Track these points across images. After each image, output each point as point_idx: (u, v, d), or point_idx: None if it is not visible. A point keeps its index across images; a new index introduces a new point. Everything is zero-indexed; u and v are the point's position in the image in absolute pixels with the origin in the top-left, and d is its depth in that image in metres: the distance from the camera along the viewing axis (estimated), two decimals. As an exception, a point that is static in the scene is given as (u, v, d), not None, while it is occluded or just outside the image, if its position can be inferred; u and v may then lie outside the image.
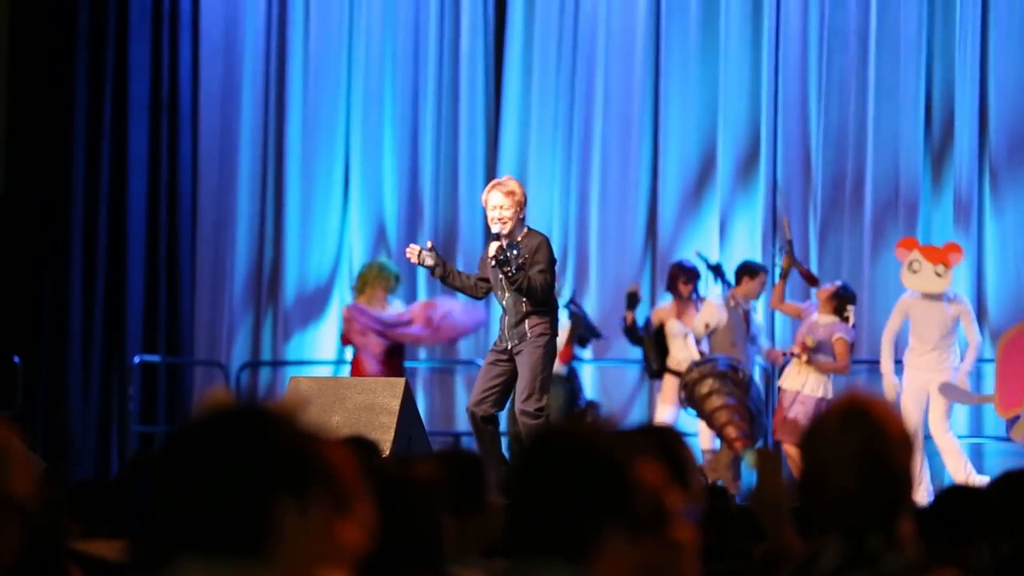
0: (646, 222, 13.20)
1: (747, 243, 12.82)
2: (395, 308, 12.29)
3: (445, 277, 8.49)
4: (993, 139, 12.25)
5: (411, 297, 13.13)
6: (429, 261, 8.45)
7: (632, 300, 11.80)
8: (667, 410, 11.65)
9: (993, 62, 12.31)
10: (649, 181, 13.20)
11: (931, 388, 10.66)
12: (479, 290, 8.55)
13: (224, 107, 14.00)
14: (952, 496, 4.16)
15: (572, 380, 11.97)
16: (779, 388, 10.97)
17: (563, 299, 11.81)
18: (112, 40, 13.55)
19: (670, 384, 11.66)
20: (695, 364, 11.25)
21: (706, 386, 11.06)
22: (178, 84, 13.83)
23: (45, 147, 13.39)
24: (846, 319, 10.82)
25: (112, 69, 13.54)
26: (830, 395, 10.68)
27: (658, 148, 13.17)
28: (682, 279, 11.63)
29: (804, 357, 10.80)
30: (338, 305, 13.76)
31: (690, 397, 11.18)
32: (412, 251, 8.52)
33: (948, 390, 10.66)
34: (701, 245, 12.74)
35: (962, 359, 10.84)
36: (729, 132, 12.94)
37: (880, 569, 2.88)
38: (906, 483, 2.97)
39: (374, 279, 12.22)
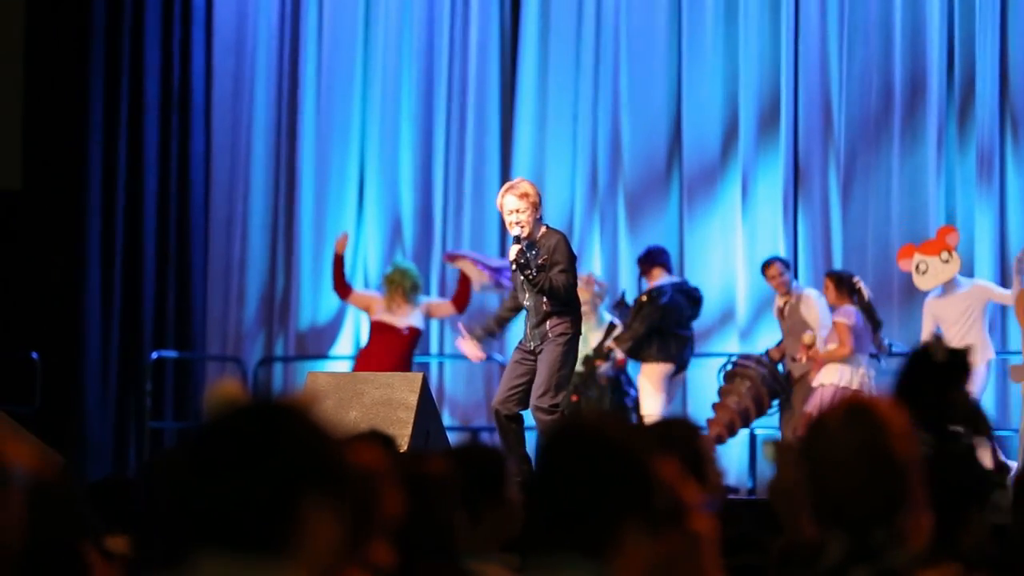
0: (675, 195, 13.17)
1: (769, 205, 12.80)
2: (415, 314, 12.28)
3: (494, 333, 8.81)
4: (1014, 92, 12.23)
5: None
6: (478, 339, 8.77)
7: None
8: (654, 400, 11.56)
9: (1013, 15, 12.27)
10: (668, 149, 13.18)
11: None
12: (516, 310, 8.70)
13: (236, 104, 14.01)
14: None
15: (618, 381, 11.85)
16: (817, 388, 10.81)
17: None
18: (127, 38, 13.57)
19: (655, 372, 11.62)
20: (748, 357, 11.38)
21: (738, 381, 11.22)
22: (190, 81, 13.84)
23: (62, 144, 13.42)
24: (857, 297, 10.71)
25: (128, 67, 13.56)
26: (855, 385, 10.63)
27: (681, 116, 13.14)
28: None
29: (804, 358, 10.81)
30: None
31: (725, 377, 11.35)
32: (464, 344, 8.88)
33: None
34: (724, 210, 12.85)
35: (997, 350, 10.80)
36: (750, 91, 12.90)
37: (883, 564, 2.87)
38: (910, 478, 2.96)
39: (392, 281, 12.27)
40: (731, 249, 12.88)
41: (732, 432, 11.21)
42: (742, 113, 12.94)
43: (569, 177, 13.40)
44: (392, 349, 12.08)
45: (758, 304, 12.44)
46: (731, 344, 12.67)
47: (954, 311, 10.63)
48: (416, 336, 12.27)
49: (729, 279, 12.82)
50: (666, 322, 11.48)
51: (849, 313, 10.67)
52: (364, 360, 12.15)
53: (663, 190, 13.19)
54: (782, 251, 12.53)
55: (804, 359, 10.82)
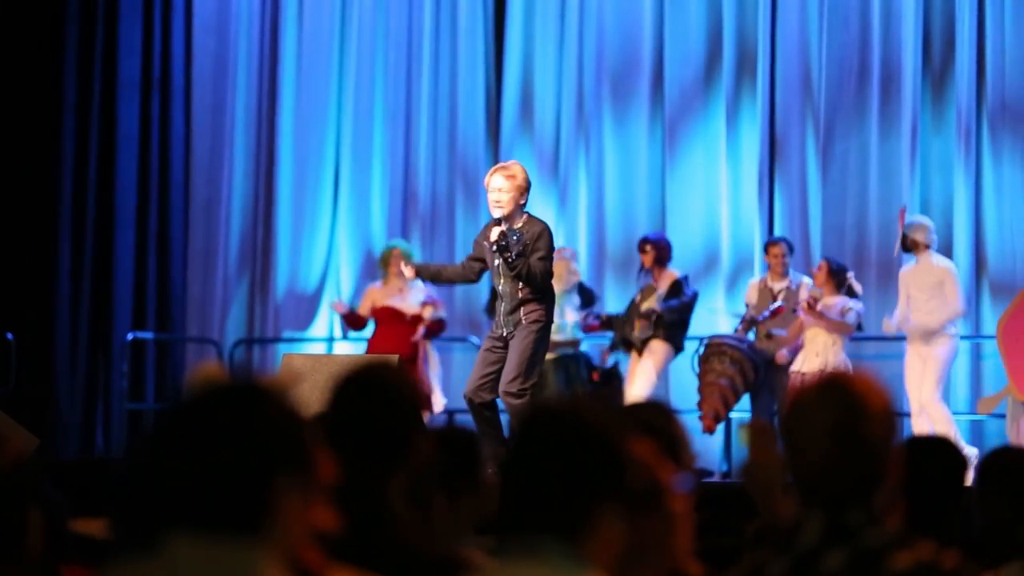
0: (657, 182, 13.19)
1: (747, 183, 12.82)
2: (415, 290, 12.11)
3: (434, 279, 8.64)
4: (991, 76, 12.28)
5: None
6: (408, 273, 8.60)
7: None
8: (647, 381, 11.54)
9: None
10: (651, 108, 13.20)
11: (926, 355, 10.62)
12: (471, 272, 8.61)
13: (216, 83, 13.97)
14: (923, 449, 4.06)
15: (577, 362, 11.79)
16: (794, 374, 10.72)
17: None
18: (102, 16, 13.52)
19: (664, 355, 11.61)
20: (724, 336, 11.34)
21: (715, 361, 11.14)
22: (170, 60, 13.80)
23: (35, 123, 13.36)
24: (853, 293, 10.77)
25: (101, 45, 13.51)
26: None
27: (663, 96, 13.15)
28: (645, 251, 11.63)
29: (805, 307, 10.73)
30: (333, 283, 13.75)
31: (701, 361, 11.28)
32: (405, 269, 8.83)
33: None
34: (706, 158, 12.83)
35: (970, 334, 10.88)
36: (730, 52, 12.93)
37: (860, 544, 2.87)
38: (884, 458, 2.96)
39: (388, 260, 12.12)
40: (715, 221, 12.88)
41: (728, 407, 11.14)
42: (724, 74, 12.95)
43: (553, 134, 13.37)
44: (399, 335, 11.94)
45: (737, 262, 12.49)
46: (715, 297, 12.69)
47: (922, 283, 10.69)
48: (418, 321, 12.08)
49: (713, 241, 12.85)
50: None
51: (857, 307, 10.75)
52: (375, 350, 11.96)
53: (643, 164, 13.20)
54: (757, 226, 12.57)
55: (805, 307, 10.75)
